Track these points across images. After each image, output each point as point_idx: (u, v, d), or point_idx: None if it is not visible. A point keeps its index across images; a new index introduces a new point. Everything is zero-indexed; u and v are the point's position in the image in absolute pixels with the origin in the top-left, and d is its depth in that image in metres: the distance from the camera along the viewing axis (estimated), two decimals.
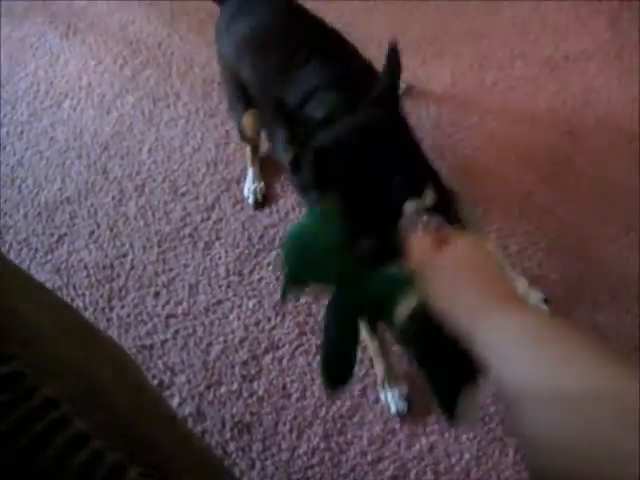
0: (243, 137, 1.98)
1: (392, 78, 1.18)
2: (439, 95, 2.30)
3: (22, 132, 2.35)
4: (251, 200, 2.01)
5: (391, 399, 1.61)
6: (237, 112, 1.86)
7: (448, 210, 1.62)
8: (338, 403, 1.63)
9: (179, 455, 0.79)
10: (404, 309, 0.77)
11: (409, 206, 1.12)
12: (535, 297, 1.75)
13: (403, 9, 2.59)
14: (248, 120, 1.84)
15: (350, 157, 1.07)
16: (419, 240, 0.80)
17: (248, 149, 2.03)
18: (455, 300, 0.71)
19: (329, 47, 1.60)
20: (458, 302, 0.70)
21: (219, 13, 1.81)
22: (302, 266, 0.85)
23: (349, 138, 1.12)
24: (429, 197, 1.50)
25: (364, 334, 1.55)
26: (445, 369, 0.76)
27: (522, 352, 0.57)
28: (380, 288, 0.80)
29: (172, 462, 0.72)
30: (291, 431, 1.61)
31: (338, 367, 0.84)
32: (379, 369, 1.63)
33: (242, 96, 1.75)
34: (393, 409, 1.61)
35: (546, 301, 1.75)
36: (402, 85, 2.24)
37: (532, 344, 0.58)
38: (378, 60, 2.35)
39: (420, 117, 2.22)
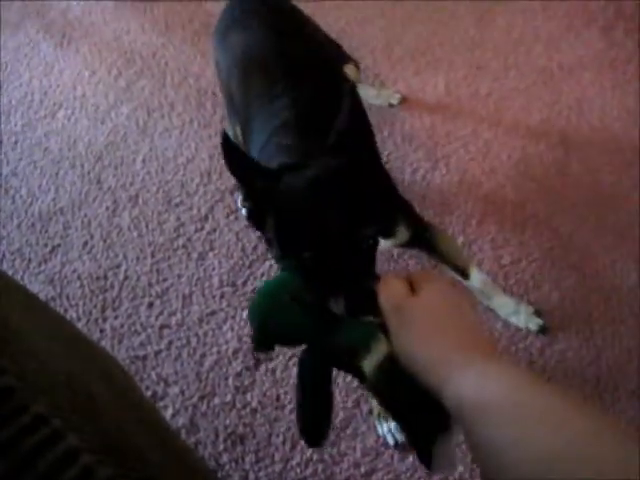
0: None
1: (348, 121, 1.11)
2: (433, 105, 2.30)
3: (16, 142, 2.35)
4: (245, 211, 2.00)
5: (387, 431, 1.60)
6: (230, 121, 1.86)
7: (424, 244, 1.62)
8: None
9: (172, 469, 0.78)
10: (372, 360, 0.75)
11: (383, 245, 1.08)
12: (526, 311, 1.75)
13: (397, 19, 2.60)
14: (239, 131, 1.83)
15: (313, 212, 1.00)
16: (388, 285, 0.75)
17: None
18: (422, 352, 0.66)
19: (306, 81, 1.54)
20: (425, 354, 0.66)
21: (219, 16, 1.81)
22: (269, 324, 0.84)
23: (309, 193, 1.03)
24: (401, 235, 1.50)
25: None
26: (417, 418, 0.74)
27: (501, 413, 0.54)
28: (350, 339, 0.78)
29: (165, 476, 0.72)
30: (284, 442, 1.61)
31: (314, 420, 0.83)
32: (375, 402, 1.61)
33: (233, 108, 1.74)
34: (391, 441, 1.59)
35: (538, 313, 1.75)
36: (396, 96, 2.26)
37: (510, 404, 0.54)
38: (372, 69, 2.37)
39: (414, 127, 2.22)
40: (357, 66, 2.07)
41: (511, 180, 2.06)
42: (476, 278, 1.70)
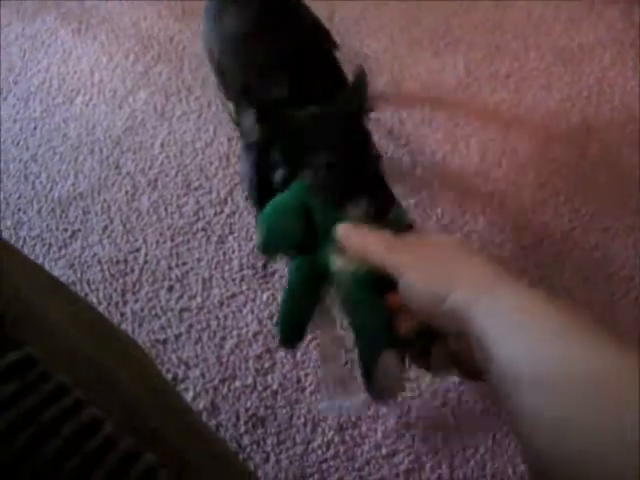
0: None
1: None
2: (452, 86, 2.28)
3: (35, 128, 2.36)
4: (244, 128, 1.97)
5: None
6: (224, 98, 1.83)
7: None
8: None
9: (193, 449, 0.78)
10: (342, 264, 0.73)
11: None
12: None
13: (415, 2, 2.58)
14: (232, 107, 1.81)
15: (327, 132, 1.07)
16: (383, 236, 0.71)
17: None
18: (442, 281, 0.61)
19: (301, 64, 1.56)
20: (446, 282, 0.60)
21: None
22: (274, 228, 0.84)
23: (323, 119, 1.12)
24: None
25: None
26: (371, 330, 0.72)
27: (522, 332, 0.53)
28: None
29: (184, 455, 0.72)
30: (305, 424, 1.61)
31: (293, 325, 0.83)
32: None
33: (226, 86, 1.72)
34: None
35: None
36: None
37: (532, 323, 0.54)
38: (390, 52, 2.36)
39: (433, 109, 2.21)
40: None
41: (531, 160, 2.05)
42: None
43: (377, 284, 0.69)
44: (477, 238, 1.89)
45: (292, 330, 0.83)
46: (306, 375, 1.67)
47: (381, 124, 2.18)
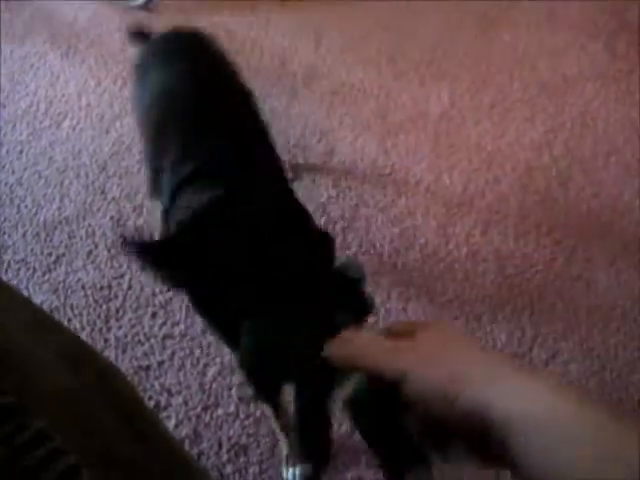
0: None
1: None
2: (437, 117, 2.31)
3: (21, 151, 2.36)
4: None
5: (291, 477, 1.57)
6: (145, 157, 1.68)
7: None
8: (335, 427, 1.62)
9: None
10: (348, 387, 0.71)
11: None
12: None
13: (401, 32, 2.61)
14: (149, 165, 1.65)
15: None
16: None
17: None
18: (451, 380, 0.58)
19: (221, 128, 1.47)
20: (455, 380, 0.58)
21: (140, 53, 1.77)
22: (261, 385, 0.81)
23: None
24: None
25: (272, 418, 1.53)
26: (392, 451, 0.71)
27: (552, 432, 0.51)
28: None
29: None
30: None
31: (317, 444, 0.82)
32: (283, 446, 1.59)
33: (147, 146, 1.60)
34: None
35: None
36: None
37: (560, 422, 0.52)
38: (376, 81, 2.38)
39: (418, 138, 2.23)
40: None
41: (514, 191, 2.07)
42: None
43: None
44: (459, 267, 1.90)
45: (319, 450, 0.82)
46: (288, 404, 1.67)
47: (365, 154, 2.19)
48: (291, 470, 1.58)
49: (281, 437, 1.58)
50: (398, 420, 0.64)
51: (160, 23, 2.76)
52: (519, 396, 0.55)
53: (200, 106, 1.48)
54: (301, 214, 1.20)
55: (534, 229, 1.97)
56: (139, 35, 1.78)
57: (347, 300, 0.93)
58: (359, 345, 0.65)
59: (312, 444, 0.85)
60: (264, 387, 0.83)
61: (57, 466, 0.48)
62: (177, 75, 1.56)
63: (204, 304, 1.03)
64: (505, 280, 1.87)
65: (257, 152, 1.41)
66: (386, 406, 0.65)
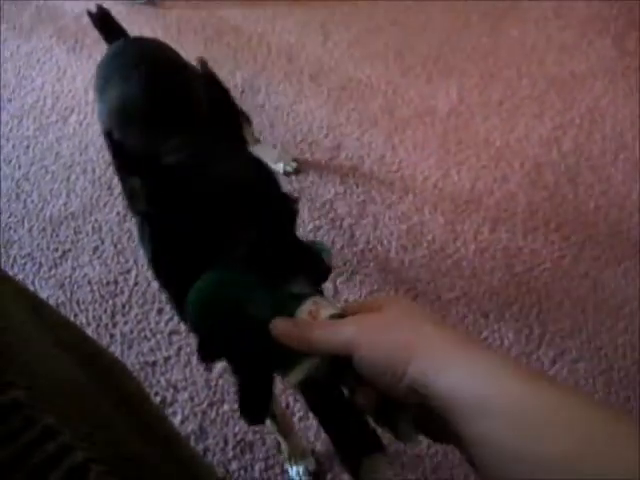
0: None
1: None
2: (445, 113, 2.30)
3: (28, 146, 2.35)
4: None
5: (296, 474, 1.58)
6: None
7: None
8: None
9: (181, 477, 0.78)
10: (298, 374, 0.68)
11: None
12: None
13: (409, 27, 2.60)
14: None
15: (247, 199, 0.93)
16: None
17: None
18: (398, 354, 0.57)
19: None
20: (402, 354, 0.57)
21: (97, 71, 1.73)
22: (210, 342, 0.77)
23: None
24: None
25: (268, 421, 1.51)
26: (346, 436, 0.70)
27: (505, 411, 0.50)
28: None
29: None
30: None
31: (256, 404, 0.81)
32: (284, 447, 1.59)
33: None
34: None
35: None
36: (293, 164, 2.19)
37: (515, 402, 0.51)
38: (384, 77, 2.37)
39: (426, 135, 2.22)
40: (249, 122, 1.96)
41: (523, 188, 2.06)
42: None
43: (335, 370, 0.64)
44: (467, 265, 1.89)
45: (256, 409, 0.81)
46: (295, 401, 1.67)
47: (372, 150, 2.19)
48: (295, 468, 1.59)
49: (280, 438, 1.58)
50: (350, 403, 0.63)
51: (166, 19, 2.76)
52: (465, 374, 0.53)
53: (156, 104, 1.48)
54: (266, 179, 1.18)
55: (542, 226, 1.96)
56: (106, 25, 1.77)
57: (305, 266, 0.90)
58: (307, 326, 0.64)
59: (251, 410, 0.84)
60: (213, 349, 0.78)
61: (66, 462, 0.48)
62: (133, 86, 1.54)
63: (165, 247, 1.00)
64: (513, 278, 1.86)
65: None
66: (338, 387, 0.63)
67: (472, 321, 1.79)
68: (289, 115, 2.32)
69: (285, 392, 1.68)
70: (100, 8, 1.75)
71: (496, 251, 1.91)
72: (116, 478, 0.51)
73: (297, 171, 2.16)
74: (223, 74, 2.22)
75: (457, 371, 0.54)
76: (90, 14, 1.75)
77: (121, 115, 1.53)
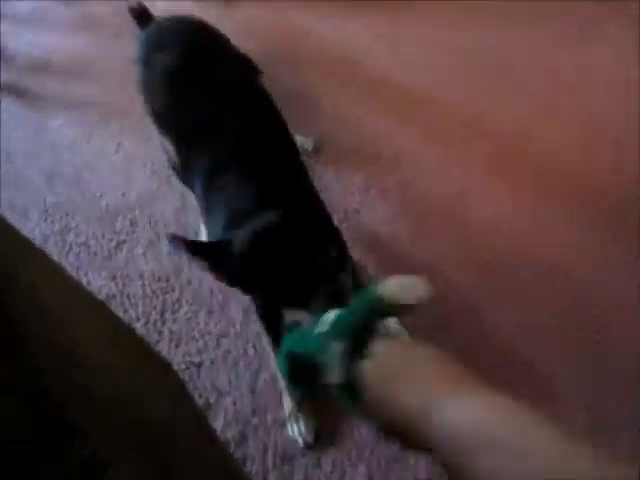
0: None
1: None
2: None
3: (90, 135, 2.37)
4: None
5: (297, 433, 1.62)
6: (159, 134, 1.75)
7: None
8: (382, 446, 1.60)
9: None
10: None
11: None
12: None
13: (479, 43, 2.55)
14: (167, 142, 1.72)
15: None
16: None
17: None
18: (403, 389, 0.64)
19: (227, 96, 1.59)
20: (406, 391, 0.64)
21: (141, 39, 1.74)
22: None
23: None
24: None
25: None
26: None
27: (494, 444, 0.54)
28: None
29: None
30: (333, 470, 1.59)
31: None
32: (287, 402, 1.66)
33: (160, 123, 1.70)
34: (300, 441, 1.62)
35: None
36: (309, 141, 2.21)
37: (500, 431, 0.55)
38: (448, 92, 2.32)
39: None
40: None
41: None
42: None
43: None
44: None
45: None
46: (345, 421, 1.65)
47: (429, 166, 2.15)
48: (295, 426, 1.63)
49: (285, 393, 1.66)
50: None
51: (234, 18, 2.75)
52: (464, 410, 0.58)
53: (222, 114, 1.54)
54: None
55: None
56: (142, 16, 1.81)
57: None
58: None
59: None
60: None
61: None
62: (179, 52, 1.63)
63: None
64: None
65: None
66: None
67: None
68: (352, 123, 2.28)
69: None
70: (140, 4, 1.82)
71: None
72: None
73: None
74: (283, 73, 2.23)
75: (457, 408, 0.59)
76: (131, 8, 1.80)
77: (168, 81, 1.60)
